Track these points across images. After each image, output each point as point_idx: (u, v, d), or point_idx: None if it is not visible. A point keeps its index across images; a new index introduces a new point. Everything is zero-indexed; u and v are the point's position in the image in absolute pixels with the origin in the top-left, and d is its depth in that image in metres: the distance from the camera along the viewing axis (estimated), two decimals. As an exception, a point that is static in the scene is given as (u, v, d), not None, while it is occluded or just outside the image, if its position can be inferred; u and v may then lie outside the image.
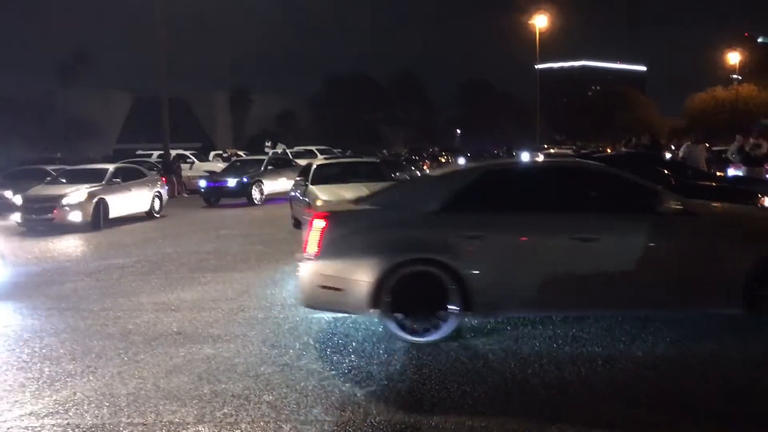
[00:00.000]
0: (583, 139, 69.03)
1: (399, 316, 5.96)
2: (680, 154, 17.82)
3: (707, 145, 20.50)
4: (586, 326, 6.37)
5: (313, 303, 6.38)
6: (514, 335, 6.23)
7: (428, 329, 5.96)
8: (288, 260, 10.77)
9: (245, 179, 22.07)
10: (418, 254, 5.98)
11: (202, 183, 22.98)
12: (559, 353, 5.67)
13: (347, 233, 6.22)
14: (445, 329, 5.96)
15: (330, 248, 6.11)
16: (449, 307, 5.93)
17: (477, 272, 5.90)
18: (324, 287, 6.12)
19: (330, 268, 6.10)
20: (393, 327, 6.00)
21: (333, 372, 5.38)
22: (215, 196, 22.48)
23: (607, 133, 70.07)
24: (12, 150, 55.72)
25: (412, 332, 5.97)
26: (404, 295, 5.93)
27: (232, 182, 22.10)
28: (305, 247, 6.27)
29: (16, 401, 4.99)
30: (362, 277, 5.95)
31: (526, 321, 6.61)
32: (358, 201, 7.02)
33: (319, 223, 6.18)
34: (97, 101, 68.90)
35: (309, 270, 6.17)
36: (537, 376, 5.16)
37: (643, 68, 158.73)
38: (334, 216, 6.41)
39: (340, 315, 6.83)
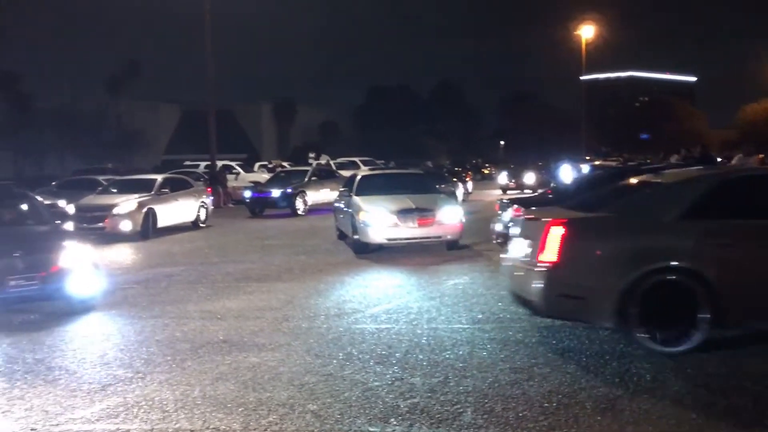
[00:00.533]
0: (630, 151, 67.90)
1: (648, 326, 5.78)
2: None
3: (761, 156, 19.88)
4: (634, 342, 6.24)
5: (552, 312, 6.28)
6: (559, 349, 6.15)
7: (680, 339, 5.78)
8: (331, 271, 10.85)
9: (289, 190, 22.27)
10: (667, 262, 5.82)
11: (247, 193, 23.27)
12: (607, 369, 5.58)
13: (589, 241, 6.11)
14: (696, 339, 5.77)
15: (571, 256, 5.96)
16: (699, 316, 5.75)
17: (730, 281, 5.74)
18: (565, 296, 6.02)
19: (571, 276, 5.98)
20: (642, 337, 5.82)
21: (376, 383, 5.38)
22: (260, 206, 22.73)
23: (655, 144, 68.79)
24: (65, 160, 57.52)
25: (663, 342, 5.79)
26: (651, 304, 5.75)
27: (276, 193, 22.32)
28: (539, 254, 6.07)
29: (69, 405, 5.12)
30: (608, 285, 5.81)
31: (572, 335, 6.53)
32: (571, 208, 6.81)
33: (558, 230, 6.00)
34: (146, 113, 70.54)
35: (547, 278, 5.99)
36: (584, 391, 5.08)
37: (693, 78, 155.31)
38: (574, 223, 6.24)
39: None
